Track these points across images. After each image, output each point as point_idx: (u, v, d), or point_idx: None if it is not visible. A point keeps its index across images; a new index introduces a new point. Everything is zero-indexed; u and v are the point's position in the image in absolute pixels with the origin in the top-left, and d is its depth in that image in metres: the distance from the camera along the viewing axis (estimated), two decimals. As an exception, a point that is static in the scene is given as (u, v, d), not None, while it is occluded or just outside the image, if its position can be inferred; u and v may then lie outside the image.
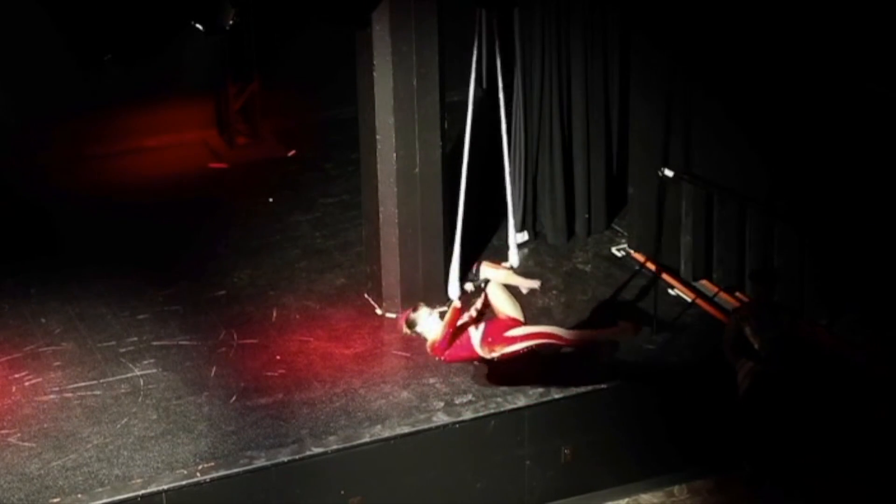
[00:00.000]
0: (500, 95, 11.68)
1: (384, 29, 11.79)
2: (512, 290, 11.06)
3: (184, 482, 10.39)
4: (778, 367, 10.90)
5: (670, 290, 12.78)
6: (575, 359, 11.76)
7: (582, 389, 11.40)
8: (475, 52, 11.18)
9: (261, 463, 10.57)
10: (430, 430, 10.97)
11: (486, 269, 10.90)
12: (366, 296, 12.74)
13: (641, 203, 13.25)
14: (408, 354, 11.96)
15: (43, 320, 12.43)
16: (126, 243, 13.63)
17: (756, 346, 10.92)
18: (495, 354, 10.74)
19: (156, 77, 15.15)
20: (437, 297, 12.49)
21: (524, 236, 13.63)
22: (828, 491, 11.25)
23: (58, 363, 11.80)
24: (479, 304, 10.74)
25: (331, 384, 11.51)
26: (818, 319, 12.06)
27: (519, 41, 13.09)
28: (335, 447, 10.75)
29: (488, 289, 10.81)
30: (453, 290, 11.55)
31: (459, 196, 11.31)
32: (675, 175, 12.32)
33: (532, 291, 12.63)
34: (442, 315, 10.74)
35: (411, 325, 10.80)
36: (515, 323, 10.80)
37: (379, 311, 12.55)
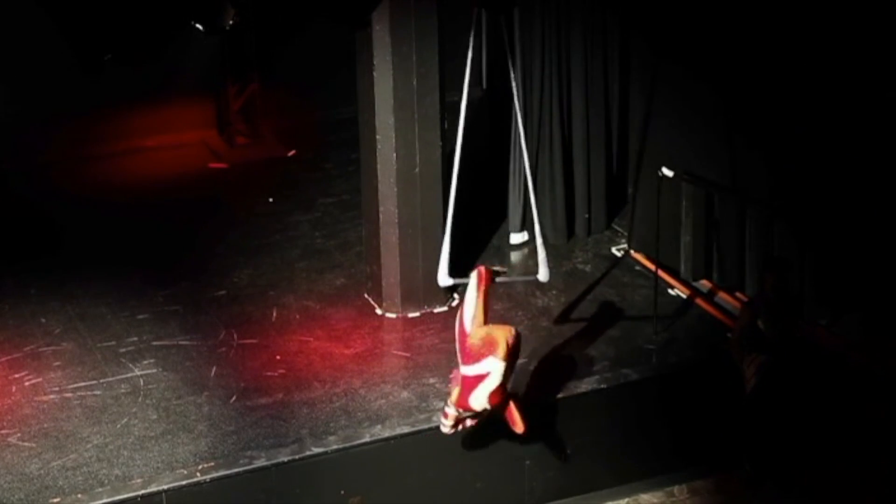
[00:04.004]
0: (515, 96, 11.68)
1: (384, 29, 11.80)
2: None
3: (184, 482, 10.39)
4: (787, 356, 10.89)
5: (670, 290, 12.78)
6: (575, 359, 11.78)
7: (582, 389, 11.41)
8: (470, 52, 11.17)
9: (261, 463, 10.58)
10: (430, 430, 10.96)
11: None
12: (366, 296, 12.74)
13: (641, 203, 13.26)
14: (408, 354, 11.97)
15: (43, 320, 12.43)
16: (126, 243, 13.63)
17: (768, 337, 10.90)
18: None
19: (156, 77, 15.15)
20: (437, 297, 12.50)
21: (524, 236, 13.63)
22: (828, 491, 11.25)
23: (58, 363, 11.80)
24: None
25: (331, 384, 11.51)
26: (818, 319, 12.06)
27: (519, 41, 13.09)
28: (335, 447, 10.75)
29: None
30: (443, 278, 11.38)
31: (451, 186, 11.23)
32: (674, 175, 12.32)
33: (532, 292, 12.67)
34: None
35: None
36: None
37: (379, 311, 12.55)
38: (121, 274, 13.05)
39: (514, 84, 11.67)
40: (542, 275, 11.37)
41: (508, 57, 11.55)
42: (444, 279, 11.38)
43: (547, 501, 11.38)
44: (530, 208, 13.43)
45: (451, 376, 10.24)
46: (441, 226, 12.34)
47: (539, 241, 11.43)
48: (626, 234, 13.71)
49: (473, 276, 10.27)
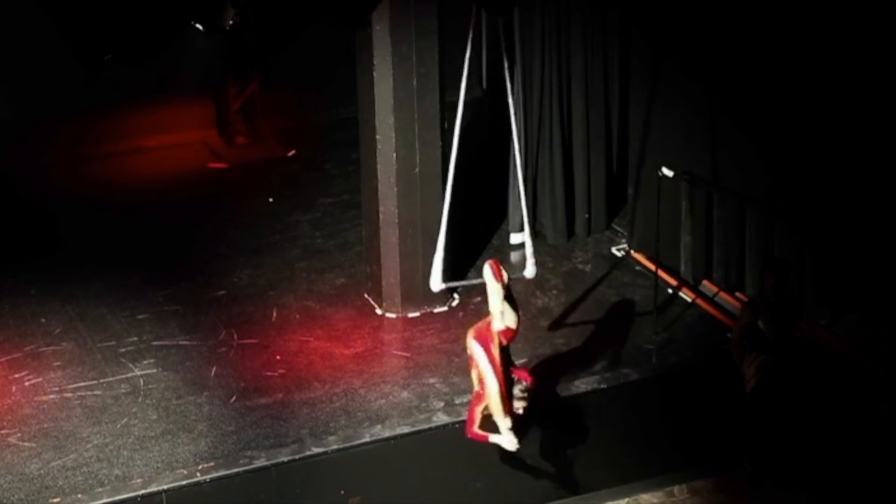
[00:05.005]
0: (510, 97, 11.68)
1: (384, 29, 11.80)
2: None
3: (184, 482, 10.39)
4: (787, 356, 10.90)
5: (670, 290, 12.78)
6: (575, 359, 11.78)
7: (582, 389, 11.41)
8: (468, 52, 11.19)
9: (261, 463, 10.58)
10: (430, 430, 10.98)
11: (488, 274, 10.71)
12: (366, 296, 12.74)
13: (641, 203, 13.26)
14: (408, 354, 11.97)
15: (43, 320, 12.44)
16: (126, 243, 13.64)
17: (769, 337, 10.90)
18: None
19: (156, 77, 15.15)
20: (437, 297, 12.50)
21: (524, 236, 13.62)
22: (828, 491, 11.26)
23: (58, 363, 11.81)
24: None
25: (331, 384, 11.52)
26: (818, 319, 12.07)
27: (519, 41, 13.10)
28: (335, 447, 10.75)
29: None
30: (435, 283, 11.44)
31: (446, 189, 11.26)
32: (675, 175, 12.32)
33: (532, 292, 12.67)
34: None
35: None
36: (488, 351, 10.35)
37: (379, 311, 12.56)
38: (121, 274, 13.05)
39: (509, 84, 11.64)
40: (529, 272, 11.36)
41: (504, 57, 11.53)
42: (436, 284, 11.41)
43: (547, 501, 11.37)
44: (530, 208, 13.53)
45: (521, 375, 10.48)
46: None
47: (528, 237, 11.43)
48: (626, 234, 13.71)
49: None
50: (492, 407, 10.25)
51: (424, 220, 12.32)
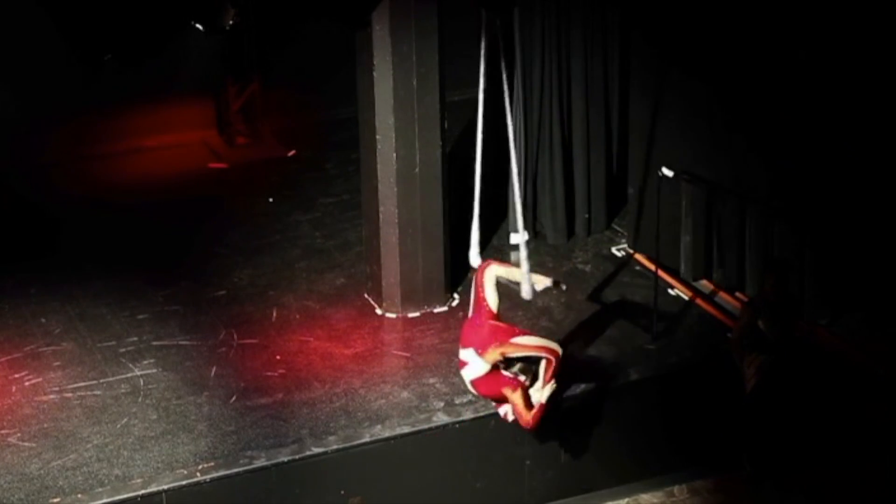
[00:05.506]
0: (506, 97, 11.66)
1: (384, 29, 11.80)
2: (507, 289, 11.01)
3: (184, 482, 10.40)
4: (787, 356, 10.90)
5: (670, 290, 12.78)
6: (575, 359, 11.78)
7: (582, 389, 11.41)
8: (482, 53, 11.19)
9: (261, 463, 10.58)
10: (430, 430, 10.97)
11: (498, 269, 10.82)
12: (366, 296, 12.74)
13: (641, 203, 13.26)
14: (408, 354, 11.97)
15: (43, 320, 12.43)
16: (126, 243, 13.64)
17: (769, 337, 10.90)
18: (499, 357, 10.57)
19: (156, 77, 15.15)
20: (437, 297, 12.51)
21: (524, 236, 13.61)
22: (827, 491, 11.26)
23: (58, 363, 11.81)
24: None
25: (331, 384, 11.52)
26: (818, 319, 12.07)
27: (519, 41, 13.09)
28: (335, 447, 10.75)
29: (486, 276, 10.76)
30: (474, 258, 11.40)
31: (475, 171, 11.29)
32: (674, 175, 12.32)
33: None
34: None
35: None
36: (514, 330, 10.70)
37: (379, 311, 12.56)
38: (121, 274, 13.05)
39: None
40: (525, 292, 11.26)
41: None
42: (475, 259, 11.32)
43: (547, 501, 11.38)
44: (530, 208, 13.53)
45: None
46: (441, 225, 12.38)
47: (525, 265, 11.34)
48: (626, 234, 13.71)
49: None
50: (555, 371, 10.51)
51: (424, 220, 12.33)
